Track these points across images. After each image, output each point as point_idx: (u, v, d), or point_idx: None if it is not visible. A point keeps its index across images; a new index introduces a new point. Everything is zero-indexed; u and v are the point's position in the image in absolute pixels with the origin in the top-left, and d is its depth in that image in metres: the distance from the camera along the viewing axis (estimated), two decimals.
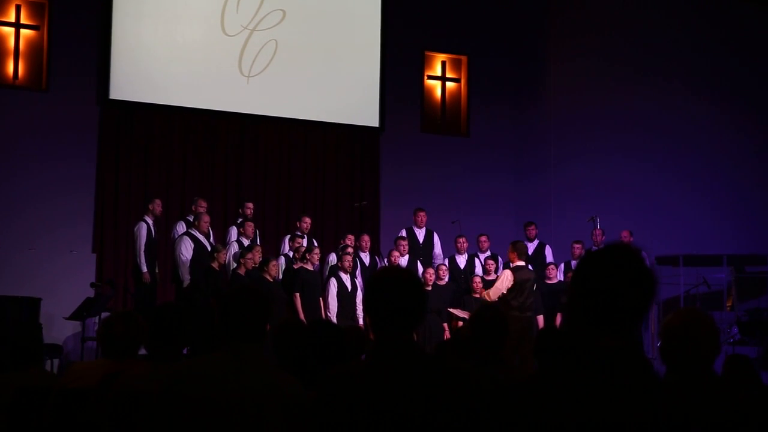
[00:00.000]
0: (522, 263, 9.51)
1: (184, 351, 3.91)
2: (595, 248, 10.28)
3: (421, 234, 11.47)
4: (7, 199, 11.15)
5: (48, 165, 11.35)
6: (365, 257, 10.99)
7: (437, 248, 11.52)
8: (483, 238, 11.46)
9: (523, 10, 14.20)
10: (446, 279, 10.72)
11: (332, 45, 13.03)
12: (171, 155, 12.17)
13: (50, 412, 3.71)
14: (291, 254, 10.51)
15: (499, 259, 11.19)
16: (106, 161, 11.83)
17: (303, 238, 10.69)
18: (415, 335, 2.56)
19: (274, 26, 12.73)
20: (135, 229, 10.28)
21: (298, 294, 9.90)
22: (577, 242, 11.19)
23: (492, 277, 10.70)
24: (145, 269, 10.05)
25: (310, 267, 10.15)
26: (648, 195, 12.83)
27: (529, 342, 8.61)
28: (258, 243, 10.57)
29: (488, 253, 11.34)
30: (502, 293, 9.33)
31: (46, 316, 9.91)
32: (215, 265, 9.61)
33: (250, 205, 11.04)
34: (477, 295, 10.36)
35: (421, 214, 11.50)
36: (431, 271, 10.60)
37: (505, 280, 9.39)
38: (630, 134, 13.12)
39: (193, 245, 9.83)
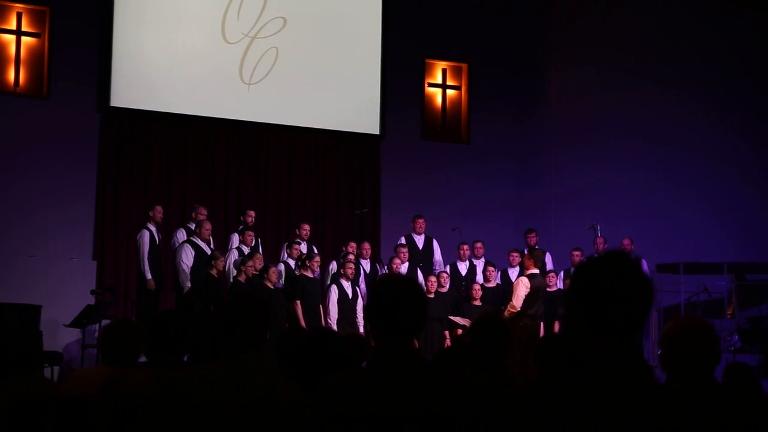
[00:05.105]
0: (536, 271, 9.46)
1: (185, 358, 3.91)
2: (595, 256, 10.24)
3: (420, 241, 11.46)
4: (7, 206, 11.15)
5: (48, 172, 11.37)
6: (366, 264, 10.96)
7: (437, 255, 11.49)
8: (478, 245, 11.43)
9: (523, 19, 14.23)
10: (447, 286, 10.69)
11: (333, 52, 13.05)
12: (171, 162, 12.18)
13: (50, 419, 3.71)
14: (291, 262, 10.49)
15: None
16: (106, 168, 11.84)
17: (299, 244, 10.68)
18: (416, 343, 2.56)
19: (274, 34, 12.75)
20: (137, 236, 10.29)
21: (298, 302, 9.89)
22: (576, 249, 11.13)
23: (492, 284, 10.69)
24: (149, 276, 10.05)
25: (310, 274, 10.13)
26: (648, 202, 12.83)
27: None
28: (260, 251, 10.56)
29: (483, 259, 11.32)
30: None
31: (47, 324, 9.88)
32: (214, 272, 9.62)
33: (252, 213, 11.02)
34: (477, 303, 10.36)
35: (420, 220, 11.47)
36: (432, 279, 10.54)
37: (524, 288, 9.29)
38: (630, 142, 13.14)
39: (194, 252, 9.85)
